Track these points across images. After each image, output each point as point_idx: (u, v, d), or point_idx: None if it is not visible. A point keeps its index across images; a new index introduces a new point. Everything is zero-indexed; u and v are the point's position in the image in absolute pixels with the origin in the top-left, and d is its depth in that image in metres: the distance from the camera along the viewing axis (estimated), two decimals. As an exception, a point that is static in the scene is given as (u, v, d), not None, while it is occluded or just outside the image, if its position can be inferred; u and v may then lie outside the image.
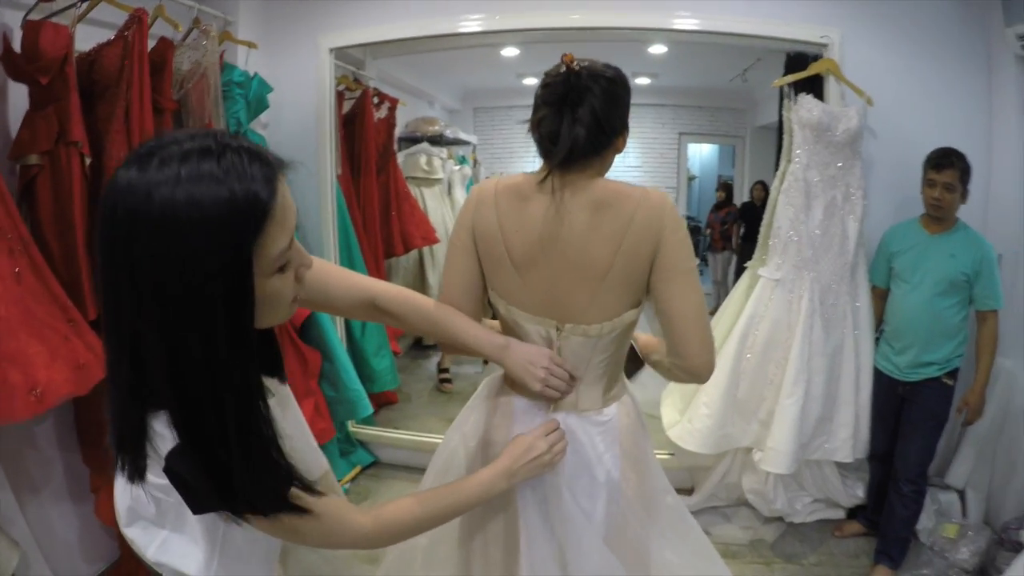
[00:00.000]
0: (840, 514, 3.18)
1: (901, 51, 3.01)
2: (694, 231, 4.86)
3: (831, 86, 2.94)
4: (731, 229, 4.54)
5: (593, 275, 1.34)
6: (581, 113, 1.29)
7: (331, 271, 1.37)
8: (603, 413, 1.48)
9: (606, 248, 1.31)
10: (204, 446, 0.83)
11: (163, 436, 0.85)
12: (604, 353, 1.42)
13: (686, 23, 3.06)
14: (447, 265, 1.51)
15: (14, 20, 2.26)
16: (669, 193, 4.69)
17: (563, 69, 1.31)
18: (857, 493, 3.14)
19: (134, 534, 1.07)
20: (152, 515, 1.04)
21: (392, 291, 1.43)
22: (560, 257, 1.35)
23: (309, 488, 0.95)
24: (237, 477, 0.84)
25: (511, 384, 1.55)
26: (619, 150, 1.42)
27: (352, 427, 3.53)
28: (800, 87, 2.90)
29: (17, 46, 2.25)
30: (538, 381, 1.37)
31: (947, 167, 2.62)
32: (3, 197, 2.07)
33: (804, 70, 2.95)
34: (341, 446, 3.45)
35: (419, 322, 1.44)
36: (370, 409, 3.28)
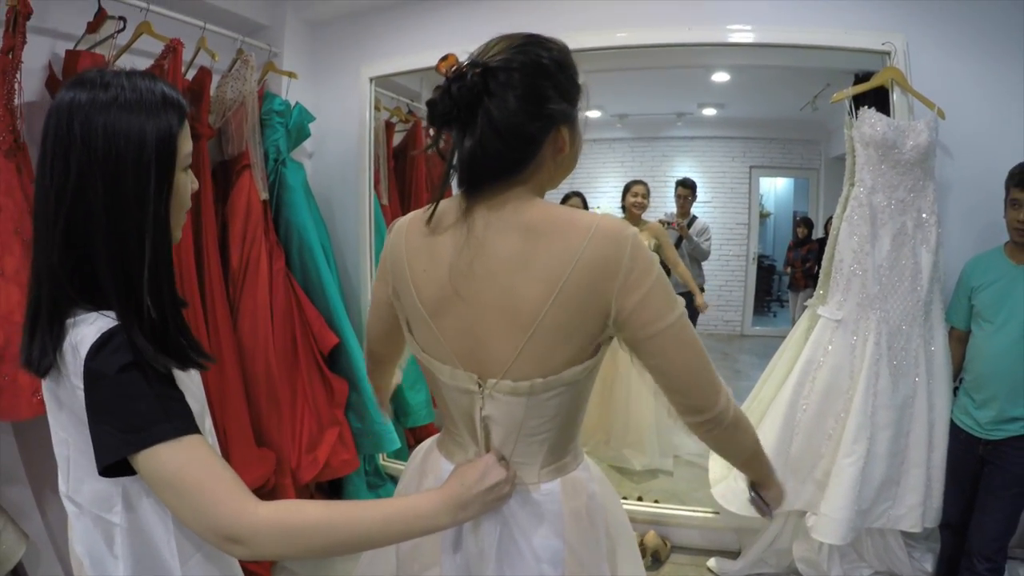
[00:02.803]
0: (904, 589, 2.58)
1: (976, 56, 2.49)
2: (769, 270, 4.38)
3: (897, 98, 2.45)
4: (813, 266, 4.05)
5: (519, 322, 0.97)
6: (474, 128, 0.94)
7: None
8: (539, 490, 1.10)
9: (537, 289, 0.95)
10: (127, 286, 0.94)
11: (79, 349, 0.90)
12: (541, 417, 1.05)
13: (739, 37, 2.65)
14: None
15: (63, 49, 2.28)
16: (740, 229, 4.32)
17: (443, 80, 0.96)
18: (925, 567, 2.55)
19: None
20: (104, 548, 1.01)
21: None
22: (477, 297, 1.00)
23: (205, 355, 1.04)
24: (159, 310, 0.97)
25: (439, 445, 1.22)
26: (561, 151, 1.02)
27: (383, 460, 3.26)
28: (864, 104, 2.43)
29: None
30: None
31: None
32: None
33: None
34: (369, 479, 3.18)
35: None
36: (397, 444, 2.99)
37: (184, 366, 0.99)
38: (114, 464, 0.88)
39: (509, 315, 0.99)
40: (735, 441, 1.10)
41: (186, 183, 1.04)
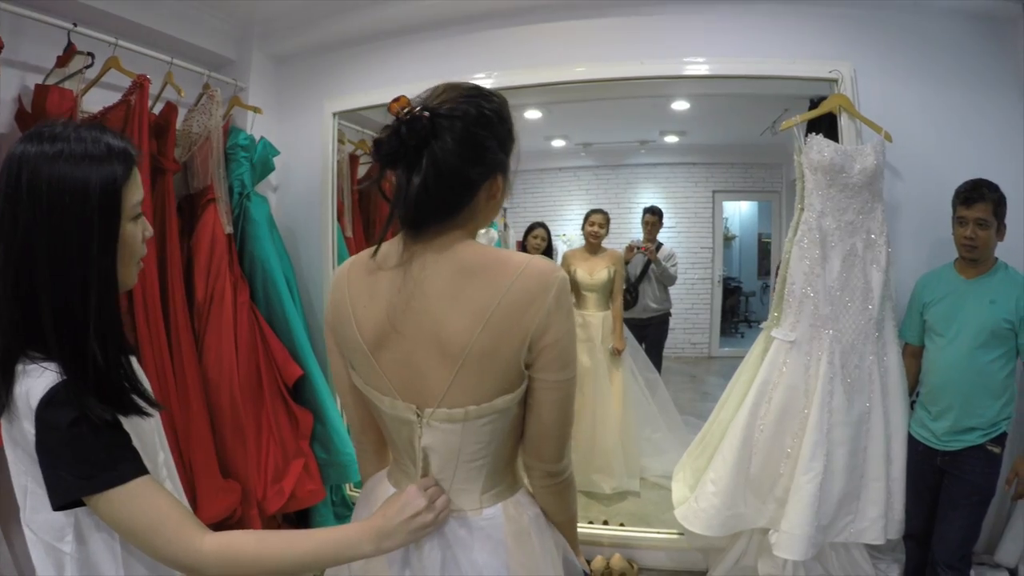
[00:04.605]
0: (870, 601, 2.58)
1: (922, 81, 2.59)
2: (734, 292, 4.42)
3: (845, 124, 2.50)
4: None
5: (450, 352, 1.01)
6: (419, 169, 0.98)
7: None
8: (481, 515, 1.12)
9: (465, 321, 0.99)
10: (72, 337, 0.96)
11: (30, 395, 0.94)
12: (477, 443, 1.08)
13: (692, 69, 2.72)
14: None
15: (34, 83, 2.31)
16: (704, 253, 4.36)
17: (393, 120, 0.98)
18: (891, 577, 2.55)
19: None
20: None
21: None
22: (414, 331, 1.03)
23: (153, 402, 1.07)
24: (99, 357, 0.97)
25: (388, 474, 1.24)
26: (494, 197, 1.07)
27: (349, 491, 3.24)
28: (816, 130, 2.48)
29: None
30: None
31: (978, 200, 2.17)
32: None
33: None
34: (336, 509, 3.15)
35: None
36: (362, 474, 2.97)
37: (127, 413, 1.01)
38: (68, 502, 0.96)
39: (441, 347, 1.02)
40: (564, 498, 1.21)
41: (135, 233, 1.05)
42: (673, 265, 4.01)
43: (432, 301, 1.01)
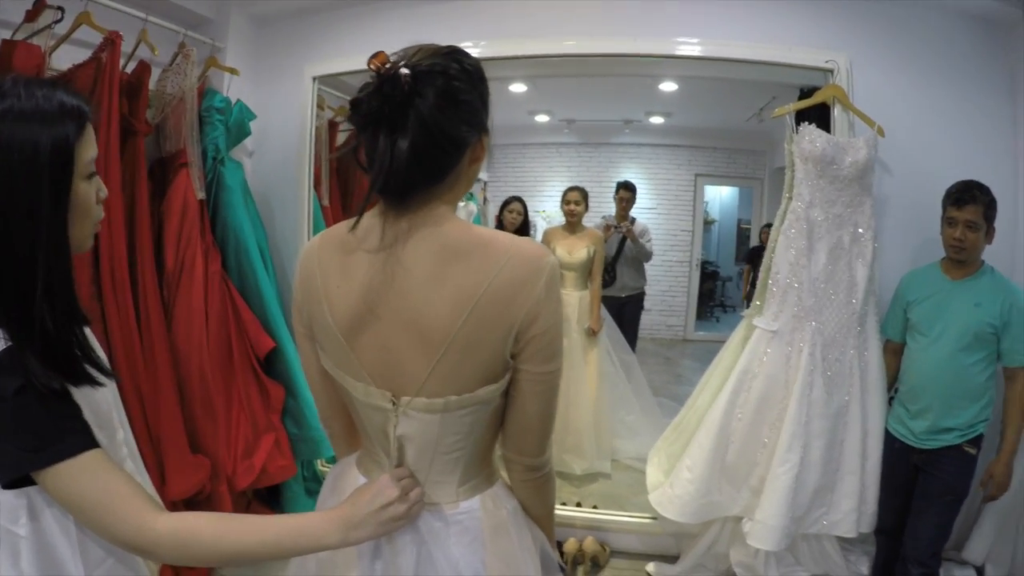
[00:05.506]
0: (840, 592, 2.61)
1: (916, 77, 2.56)
2: (711, 276, 4.41)
3: (838, 116, 2.47)
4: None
5: (432, 339, 0.94)
6: (405, 130, 0.89)
7: None
8: (458, 508, 1.07)
9: (450, 308, 0.92)
10: (18, 301, 0.90)
11: None
12: (456, 434, 1.02)
13: (685, 49, 2.64)
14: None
15: (1, 38, 2.18)
16: (684, 236, 4.34)
17: (373, 77, 0.89)
18: (861, 570, 2.59)
19: None
20: None
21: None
22: (392, 314, 0.96)
23: (106, 371, 1.01)
24: (47, 326, 0.91)
25: (357, 462, 1.17)
26: (478, 160, 1.00)
27: (321, 466, 3.16)
28: (806, 119, 2.43)
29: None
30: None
31: (969, 202, 2.14)
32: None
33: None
34: (308, 484, 3.07)
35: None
36: (334, 449, 2.91)
37: (77, 383, 0.95)
38: (17, 478, 0.91)
39: (423, 333, 0.95)
40: (543, 492, 1.17)
41: (89, 192, 1.00)
42: (648, 240, 3.97)
43: (413, 283, 0.94)
